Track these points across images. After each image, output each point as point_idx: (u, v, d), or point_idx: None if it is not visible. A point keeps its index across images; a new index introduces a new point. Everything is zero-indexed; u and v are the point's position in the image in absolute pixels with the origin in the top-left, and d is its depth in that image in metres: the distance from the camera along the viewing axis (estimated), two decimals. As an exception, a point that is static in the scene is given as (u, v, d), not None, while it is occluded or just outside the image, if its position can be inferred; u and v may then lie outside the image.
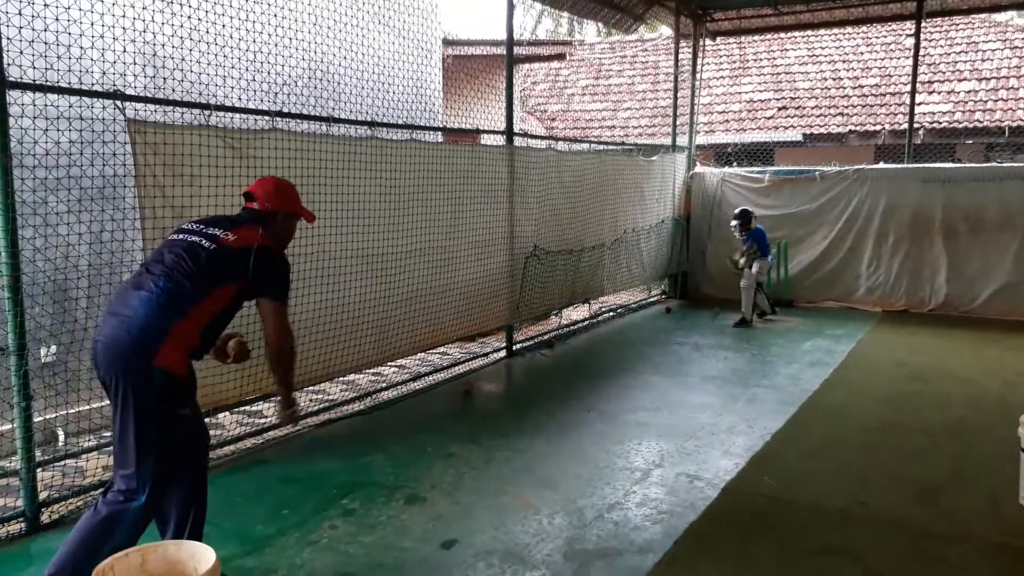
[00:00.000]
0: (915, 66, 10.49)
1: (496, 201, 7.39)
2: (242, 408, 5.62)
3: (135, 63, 5.58)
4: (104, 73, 5.31)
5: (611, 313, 10.35)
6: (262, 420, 5.80)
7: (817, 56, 15.94)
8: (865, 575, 3.53)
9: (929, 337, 8.75)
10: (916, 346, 8.30)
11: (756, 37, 15.54)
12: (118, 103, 4.26)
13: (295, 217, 3.54)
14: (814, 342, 8.46)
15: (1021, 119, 12.32)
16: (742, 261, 9.59)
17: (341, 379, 6.35)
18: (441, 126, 8.08)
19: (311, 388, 6.13)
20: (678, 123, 11.53)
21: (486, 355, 7.86)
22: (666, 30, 15.64)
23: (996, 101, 13.02)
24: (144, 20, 5.45)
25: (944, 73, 14.09)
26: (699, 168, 11.72)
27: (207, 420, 5.36)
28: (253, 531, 4.02)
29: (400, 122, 6.79)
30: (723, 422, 5.72)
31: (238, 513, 4.26)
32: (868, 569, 3.59)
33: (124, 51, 5.40)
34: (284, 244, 3.47)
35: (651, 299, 11.47)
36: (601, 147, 10.55)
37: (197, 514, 3.19)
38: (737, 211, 9.70)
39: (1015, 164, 9.89)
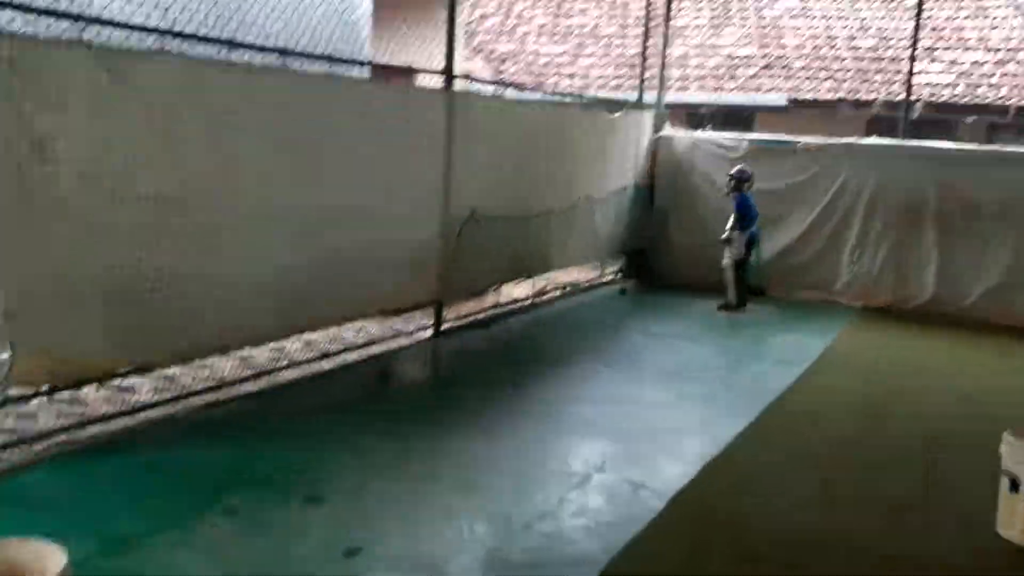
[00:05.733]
0: (916, 28, 10.47)
1: (430, 155, 7.30)
2: (113, 382, 5.45)
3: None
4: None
5: (558, 292, 10.31)
6: (135, 397, 5.63)
7: (809, 9, 16.07)
8: (822, 603, 3.58)
9: (911, 338, 8.88)
10: (896, 347, 8.45)
11: (741, -18, 15.60)
12: (-32, 7, 4.03)
13: None
14: (784, 337, 8.65)
15: (1029, 98, 12.55)
16: (727, 234, 9.70)
17: (234, 353, 6.21)
18: (368, 61, 7.91)
19: (198, 362, 6.00)
20: (646, 76, 11.44)
21: (410, 334, 7.82)
22: (640, -34, 15.54)
23: (1003, 75, 13.33)
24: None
25: (948, 40, 14.34)
26: (668, 130, 11.68)
27: (67, 395, 5.24)
28: (116, 528, 3.92)
29: (318, 52, 6.61)
30: (675, 422, 5.84)
31: (99, 506, 4.16)
32: (826, 597, 3.64)
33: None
34: None
35: (604, 278, 11.41)
36: (557, 98, 10.44)
37: None
38: (735, 169, 9.83)
39: (1020, 148, 10.00)
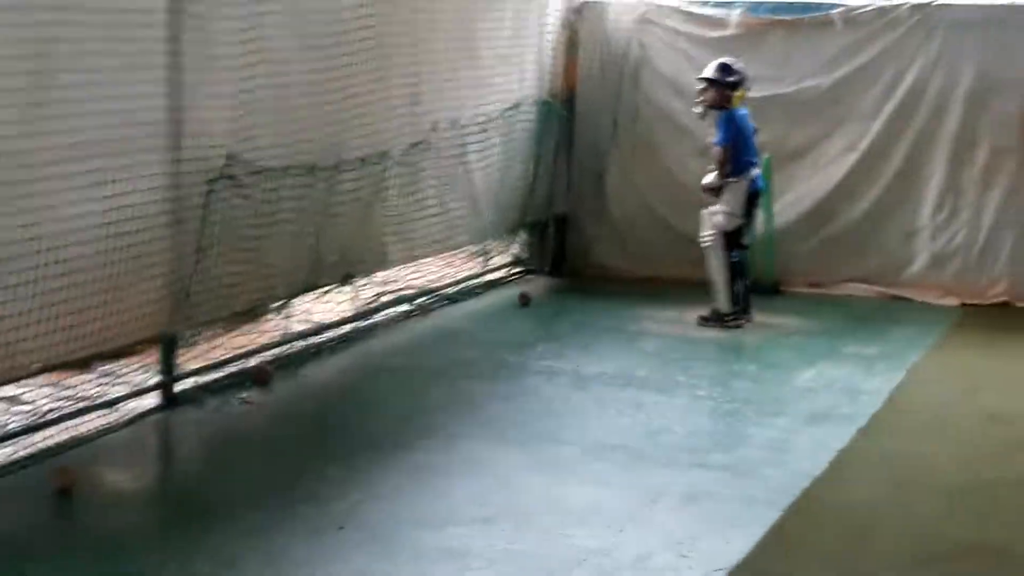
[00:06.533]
0: None
1: (141, 57, 5.98)
2: None
3: None
4: None
5: (403, 307, 8.49)
6: None
7: None
8: None
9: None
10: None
11: None
12: None
13: None
14: (820, 371, 7.23)
15: None
16: (713, 179, 7.93)
17: None
18: None
19: None
20: None
21: (112, 404, 6.18)
22: None
23: None
24: None
25: None
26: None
27: None
28: None
29: None
30: (628, 547, 4.76)
31: None
32: None
33: None
34: None
35: (489, 276, 9.52)
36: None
37: None
38: (711, 67, 7.99)
39: None
